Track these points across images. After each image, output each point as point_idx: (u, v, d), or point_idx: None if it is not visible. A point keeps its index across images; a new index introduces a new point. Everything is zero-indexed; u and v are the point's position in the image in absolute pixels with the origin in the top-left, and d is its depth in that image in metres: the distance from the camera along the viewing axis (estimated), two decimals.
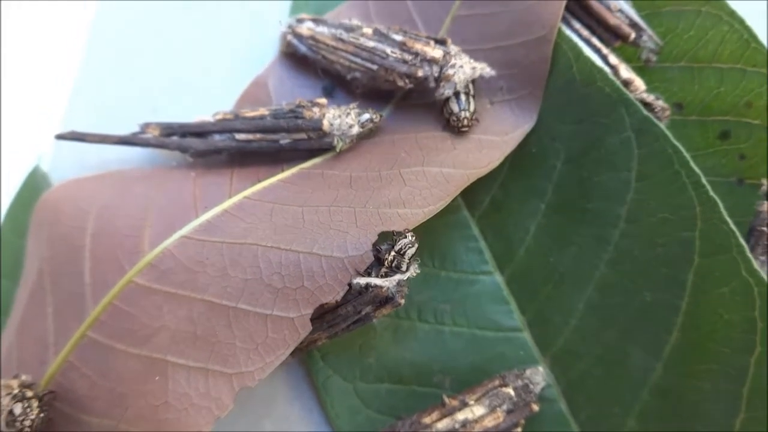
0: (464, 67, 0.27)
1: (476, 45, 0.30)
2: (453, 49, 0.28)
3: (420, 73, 0.27)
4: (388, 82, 0.28)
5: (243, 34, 0.35)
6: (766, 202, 0.27)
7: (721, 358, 0.24)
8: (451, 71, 0.27)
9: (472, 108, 0.28)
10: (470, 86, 0.28)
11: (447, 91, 0.28)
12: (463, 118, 0.28)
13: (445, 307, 0.29)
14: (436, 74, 0.27)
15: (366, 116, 0.28)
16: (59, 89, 0.35)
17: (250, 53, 0.35)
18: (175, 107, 0.34)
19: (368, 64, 0.28)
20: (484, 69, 0.28)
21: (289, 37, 0.31)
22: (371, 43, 0.28)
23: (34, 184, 0.33)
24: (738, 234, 0.24)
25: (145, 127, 0.30)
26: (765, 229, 0.26)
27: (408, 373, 0.28)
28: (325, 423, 0.29)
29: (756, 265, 0.23)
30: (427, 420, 0.26)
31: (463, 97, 0.28)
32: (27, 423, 0.23)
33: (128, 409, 0.23)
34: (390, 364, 0.29)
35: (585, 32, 0.29)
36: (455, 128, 0.28)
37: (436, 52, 0.27)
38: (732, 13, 0.28)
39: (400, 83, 0.28)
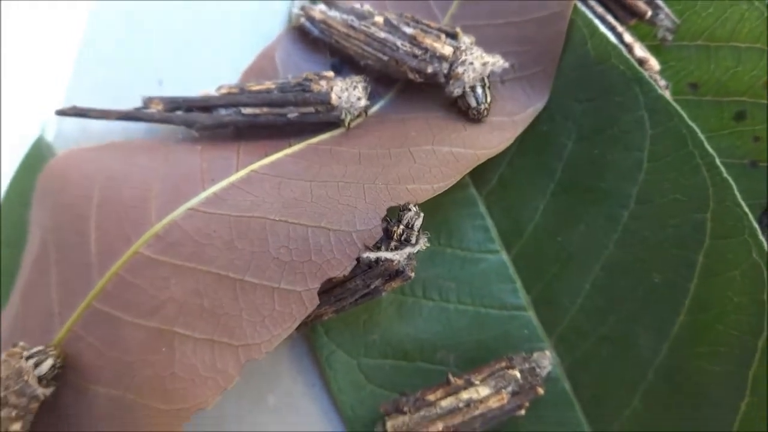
0: (474, 64, 0.26)
1: (488, 20, 0.30)
2: (464, 43, 0.27)
3: (429, 70, 0.27)
4: (400, 72, 0.28)
5: (250, 6, 0.34)
6: None
7: (728, 341, 0.24)
8: (460, 69, 0.26)
9: (489, 99, 0.28)
10: (485, 79, 0.28)
11: (456, 90, 0.27)
12: (484, 110, 0.27)
13: (450, 284, 0.29)
14: (445, 71, 0.27)
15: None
16: (64, 58, 0.34)
17: (257, 25, 0.34)
18: (181, 78, 0.33)
19: (379, 54, 0.28)
20: (495, 64, 0.27)
21: (302, 20, 0.30)
22: (382, 34, 0.28)
23: (38, 154, 0.32)
24: (751, 217, 0.24)
25: (149, 101, 0.29)
26: None
27: (412, 350, 0.29)
28: (329, 398, 0.29)
29: (767, 247, 0.23)
30: (431, 397, 0.26)
31: (479, 90, 0.27)
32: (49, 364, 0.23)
33: (135, 378, 0.23)
34: (394, 341, 0.29)
35: (600, 9, 0.28)
36: (474, 119, 0.28)
37: (446, 49, 0.27)
38: None
39: (411, 76, 0.27)
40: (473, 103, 0.27)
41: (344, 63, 0.31)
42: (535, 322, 0.28)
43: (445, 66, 0.27)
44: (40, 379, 0.24)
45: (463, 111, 0.28)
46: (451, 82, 0.27)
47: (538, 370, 0.27)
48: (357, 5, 0.29)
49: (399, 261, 0.24)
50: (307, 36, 0.31)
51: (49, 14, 0.35)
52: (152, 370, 0.23)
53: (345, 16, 0.29)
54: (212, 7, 0.35)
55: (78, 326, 0.25)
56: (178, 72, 0.34)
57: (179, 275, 0.24)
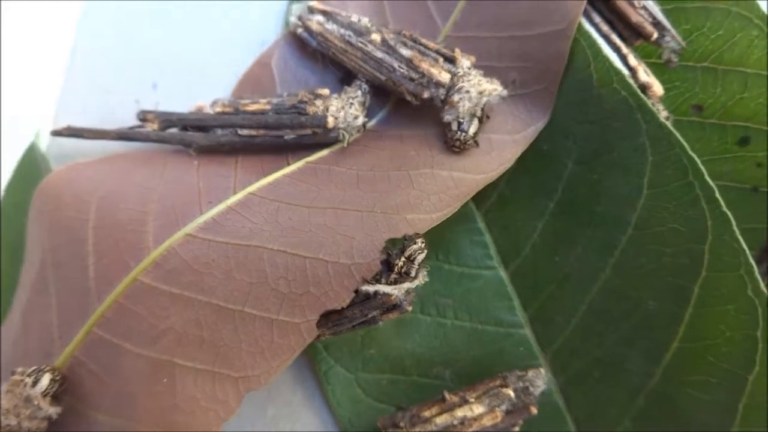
0: (471, 92, 0.26)
1: (491, 32, 0.29)
2: (463, 67, 0.26)
3: (426, 95, 0.26)
4: (397, 92, 0.27)
5: (246, 7, 0.33)
6: None
7: (719, 373, 0.25)
8: (456, 97, 0.26)
9: (472, 131, 0.26)
10: (479, 110, 0.27)
11: (448, 117, 0.26)
12: (456, 140, 0.26)
13: (447, 300, 0.29)
14: (442, 97, 0.26)
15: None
16: (56, 59, 0.33)
17: (253, 26, 0.33)
18: (176, 81, 0.33)
19: (376, 73, 0.27)
20: (492, 93, 0.26)
21: (299, 31, 0.29)
22: (379, 54, 0.27)
23: (32, 161, 0.32)
24: (748, 253, 0.24)
25: (144, 116, 0.29)
26: None
27: (409, 365, 0.29)
28: (327, 409, 0.30)
29: (763, 286, 0.23)
30: (426, 414, 0.27)
31: (467, 119, 0.26)
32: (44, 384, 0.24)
33: (137, 409, 0.24)
34: (391, 356, 0.29)
35: (605, 27, 0.27)
36: (450, 147, 0.27)
37: (443, 75, 0.26)
38: (763, 17, 0.27)
39: (408, 98, 0.27)
40: (454, 127, 0.27)
41: (348, 75, 0.30)
42: (531, 339, 0.29)
43: (442, 92, 0.26)
44: (44, 396, 0.24)
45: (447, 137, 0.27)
46: (446, 108, 0.26)
47: (531, 389, 0.27)
48: (355, 18, 0.28)
49: (397, 295, 0.24)
50: (303, 43, 0.30)
51: (41, 14, 0.34)
52: (154, 402, 0.24)
53: (342, 31, 0.28)
54: (207, 7, 0.34)
55: (79, 352, 0.25)
56: (172, 75, 0.33)
57: (179, 305, 0.24)
